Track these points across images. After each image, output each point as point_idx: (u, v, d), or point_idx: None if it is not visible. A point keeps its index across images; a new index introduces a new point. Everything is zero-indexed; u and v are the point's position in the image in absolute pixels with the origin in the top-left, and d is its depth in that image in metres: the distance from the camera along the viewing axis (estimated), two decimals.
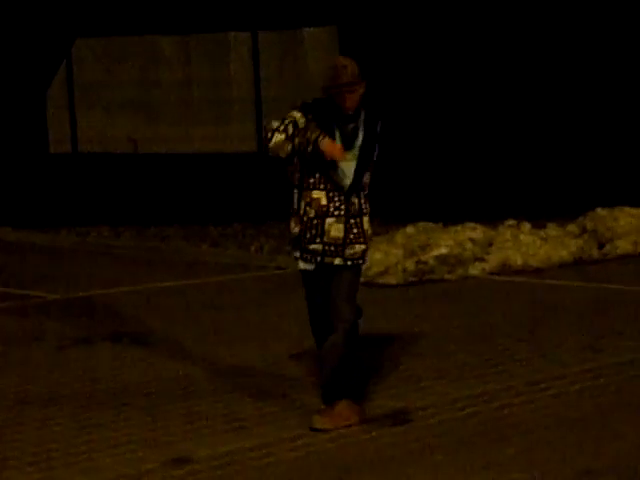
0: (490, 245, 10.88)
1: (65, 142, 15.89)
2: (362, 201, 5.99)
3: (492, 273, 10.56)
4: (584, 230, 11.48)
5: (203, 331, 8.41)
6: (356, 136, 5.95)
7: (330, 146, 5.80)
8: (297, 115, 5.91)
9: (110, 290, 10.44)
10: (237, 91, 14.82)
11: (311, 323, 6.10)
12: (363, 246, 6.00)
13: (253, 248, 12.26)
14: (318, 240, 5.95)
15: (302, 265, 6.04)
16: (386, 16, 14.21)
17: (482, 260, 10.68)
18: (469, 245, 10.71)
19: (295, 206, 6.00)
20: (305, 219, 5.96)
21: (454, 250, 10.56)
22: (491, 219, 11.79)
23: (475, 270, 10.55)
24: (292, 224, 6.04)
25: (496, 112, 13.77)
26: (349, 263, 5.98)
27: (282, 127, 5.86)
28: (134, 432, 5.92)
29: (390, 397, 6.44)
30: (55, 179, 15.64)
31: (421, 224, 11.43)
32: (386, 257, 10.44)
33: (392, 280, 10.19)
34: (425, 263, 10.37)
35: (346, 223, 5.94)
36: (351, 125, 5.94)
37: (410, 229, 11.26)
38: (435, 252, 10.50)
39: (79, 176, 15.58)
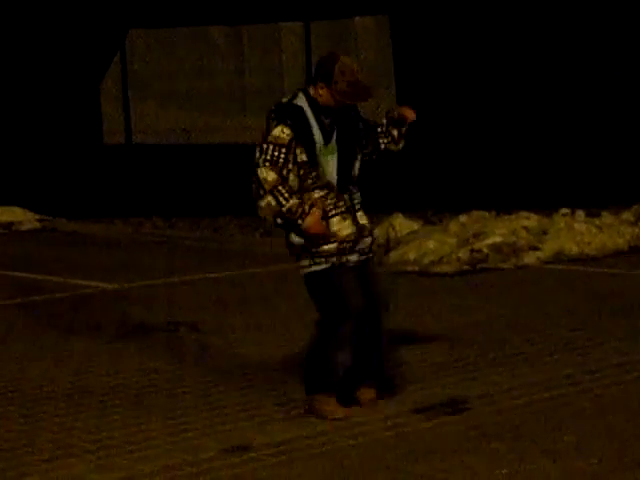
0: (544, 234, 10.82)
1: (119, 133, 16.01)
2: (354, 195, 5.90)
3: (547, 262, 10.50)
4: None
5: (257, 321, 8.45)
6: (333, 129, 5.88)
7: (315, 226, 5.73)
8: (280, 135, 5.75)
9: (164, 280, 10.52)
10: (289, 81, 14.84)
11: (354, 311, 5.86)
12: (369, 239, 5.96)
13: None
14: (333, 239, 5.84)
15: (316, 268, 5.88)
16: (437, 5, 14.16)
17: (536, 249, 10.62)
18: (523, 234, 10.66)
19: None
20: None
21: (508, 239, 10.51)
22: (545, 207, 11.72)
23: (529, 259, 10.49)
24: (292, 235, 5.87)
25: (548, 99, 13.68)
26: (362, 258, 5.91)
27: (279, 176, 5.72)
28: (192, 420, 5.97)
29: (446, 386, 6.44)
30: (109, 170, 15.77)
31: (475, 213, 11.40)
32: (440, 246, 10.43)
33: (446, 269, 10.17)
34: (479, 252, 10.33)
35: (353, 219, 5.87)
36: (328, 120, 5.86)
37: (464, 218, 11.23)
38: (489, 241, 10.46)
39: (133, 167, 15.70)
